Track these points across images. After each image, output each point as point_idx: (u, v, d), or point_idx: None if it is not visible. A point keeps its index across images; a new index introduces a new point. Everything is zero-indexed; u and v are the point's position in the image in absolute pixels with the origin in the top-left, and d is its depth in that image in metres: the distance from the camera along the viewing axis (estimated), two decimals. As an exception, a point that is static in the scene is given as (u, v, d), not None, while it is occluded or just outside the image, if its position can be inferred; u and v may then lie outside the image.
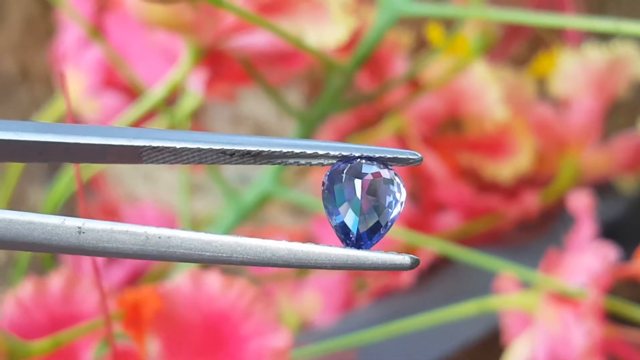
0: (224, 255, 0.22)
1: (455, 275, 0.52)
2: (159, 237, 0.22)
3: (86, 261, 0.52)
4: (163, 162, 0.23)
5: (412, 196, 0.54)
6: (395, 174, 0.23)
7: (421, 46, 0.52)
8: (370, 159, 0.22)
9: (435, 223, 0.53)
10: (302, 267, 0.22)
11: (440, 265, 0.52)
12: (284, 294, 0.53)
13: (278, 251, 0.22)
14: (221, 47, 0.41)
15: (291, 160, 0.23)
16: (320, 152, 0.22)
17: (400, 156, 0.22)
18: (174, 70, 0.41)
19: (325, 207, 0.23)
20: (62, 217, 0.22)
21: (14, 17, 0.62)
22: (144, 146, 0.22)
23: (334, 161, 0.23)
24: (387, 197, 0.22)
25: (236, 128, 0.62)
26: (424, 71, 0.49)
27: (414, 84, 0.50)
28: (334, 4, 0.37)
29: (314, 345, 0.43)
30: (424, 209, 0.53)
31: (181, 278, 0.35)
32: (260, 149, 0.22)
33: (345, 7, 0.37)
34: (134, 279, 0.53)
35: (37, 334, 0.34)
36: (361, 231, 0.22)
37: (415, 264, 0.22)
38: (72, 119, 0.46)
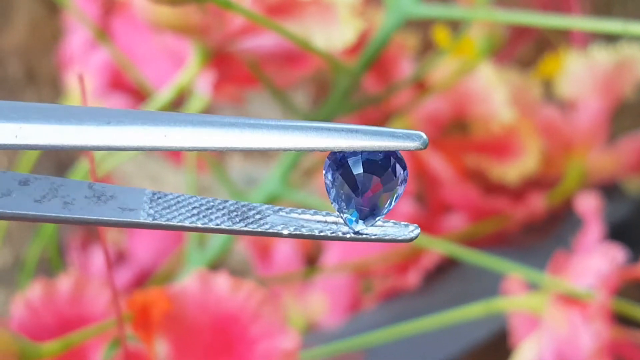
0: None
1: (462, 277, 0.52)
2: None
3: (96, 262, 0.52)
4: None
5: (419, 198, 0.54)
6: (396, 160, 0.22)
7: (428, 48, 0.52)
8: (372, 153, 0.22)
9: (442, 225, 0.53)
10: (313, 238, 0.23)
11: (447, 267, 0.52)
12: (291, 296, 0.53)
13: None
14: (229, 49, 0.41)
15: None
16: (320, 147, 0.22)
17: (404, 145, 0.22)
18: (182, 73, 0.41)
19: (328, 196, 0.23)
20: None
21: (20, 19, 0.62)
22: None
23: None
24: (386, 204, 0.22)
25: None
26: (431, 73, 0.49)
27: (421, 86, 0.50)
28: (342, 6, 0.37)
29: (321, 347, 0.43)
30: (431, 210, 0.53)
31: (190, 280, 0.35)
32: (250, 147, 0.22)
33: (352, 9, 0.37)
34: (142, 281, 0.53)
35: (46, 335, 0.34)
36: (358, 229, 0.23)
37: (415, 237, 0.23)
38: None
